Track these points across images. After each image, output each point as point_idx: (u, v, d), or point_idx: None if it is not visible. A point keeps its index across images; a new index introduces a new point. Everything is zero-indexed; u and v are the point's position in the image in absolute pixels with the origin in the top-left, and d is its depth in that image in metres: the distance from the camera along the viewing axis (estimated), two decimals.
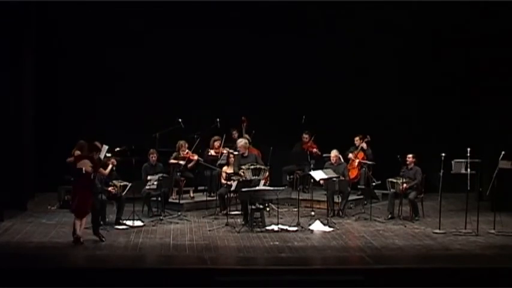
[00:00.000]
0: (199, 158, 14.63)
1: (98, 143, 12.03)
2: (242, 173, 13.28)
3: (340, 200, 13.77)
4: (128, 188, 12.85)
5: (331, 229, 12.56)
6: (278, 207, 13.38)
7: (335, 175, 13.60)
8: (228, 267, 10.39)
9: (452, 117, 15.90)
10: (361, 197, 14.51)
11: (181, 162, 14.30)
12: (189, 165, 14.51)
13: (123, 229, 12.43)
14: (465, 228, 12.44)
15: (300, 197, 13.54)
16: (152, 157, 13.89)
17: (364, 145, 15.13)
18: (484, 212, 13.08)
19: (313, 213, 13.57)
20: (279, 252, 11.02)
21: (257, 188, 12.86)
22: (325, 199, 13.74)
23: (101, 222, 12.17)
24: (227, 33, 15.80)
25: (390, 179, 13.56)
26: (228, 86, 15.83)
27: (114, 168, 12.67)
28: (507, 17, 14.29)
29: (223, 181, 13.92)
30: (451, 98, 15.79)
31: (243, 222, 12.75)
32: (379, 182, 14.29)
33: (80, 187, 11.42)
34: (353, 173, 14.90)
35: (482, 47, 14.92)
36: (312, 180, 13.92)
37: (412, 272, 10.13)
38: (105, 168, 12.23)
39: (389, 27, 15.73)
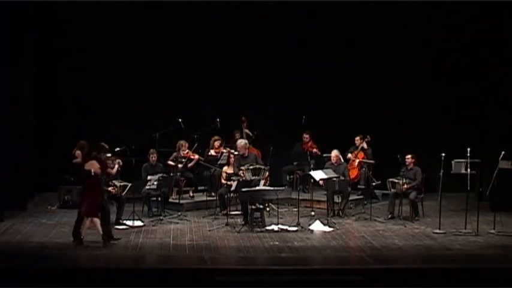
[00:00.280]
0: (200, 158, 14.64)
1: (104, 144, 12.00)
2: (242, 174, 13.27)
3: (340, 200, 13.77)
4: (128, 188, 12.88)
5: (331, 229, 12.55)
6: (278, 207, 13.38)
7: (335, 175, 13.60)
8: (228, 267, 10.39)
9: (452, 117, 15.88)
10: (361, 197, 14.50)
11: (179, 165, 14.29)
12: (190, 164, 14.51)
13: (123, 229, 12.42)
14: (465, 228, 12.43)
15: (300, 197, 13.54)
16: (152, 157, 13.90)
17: (365, 145, 15.15)
18: (484, 212, 13.07)
19: (313, 213, 13.56)
20: (279, 252, 11.02)
21: (257, 188, 12.85)
22: (325, 199, 13.74)
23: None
24: (227, 34, 15.82)
25: (391, 179, 13.56)
26: (228, 86, 15.81)
27: (119, 168, 12.70)
28: (507, 17, 14.31)
29: (223, 181, 13.92)
30: (451, 97, 15.78)
31: (243, 222, 12.73)
32: (379, 182, 14.27)
33: (89, 188, 11.37)
34: (353, 173, 14.90)
35: (482, 47, 14.94)
36: (312, 180, 13.92)
37: (412, 272, 10.10)
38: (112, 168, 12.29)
39: (389, 27, 15.73)
